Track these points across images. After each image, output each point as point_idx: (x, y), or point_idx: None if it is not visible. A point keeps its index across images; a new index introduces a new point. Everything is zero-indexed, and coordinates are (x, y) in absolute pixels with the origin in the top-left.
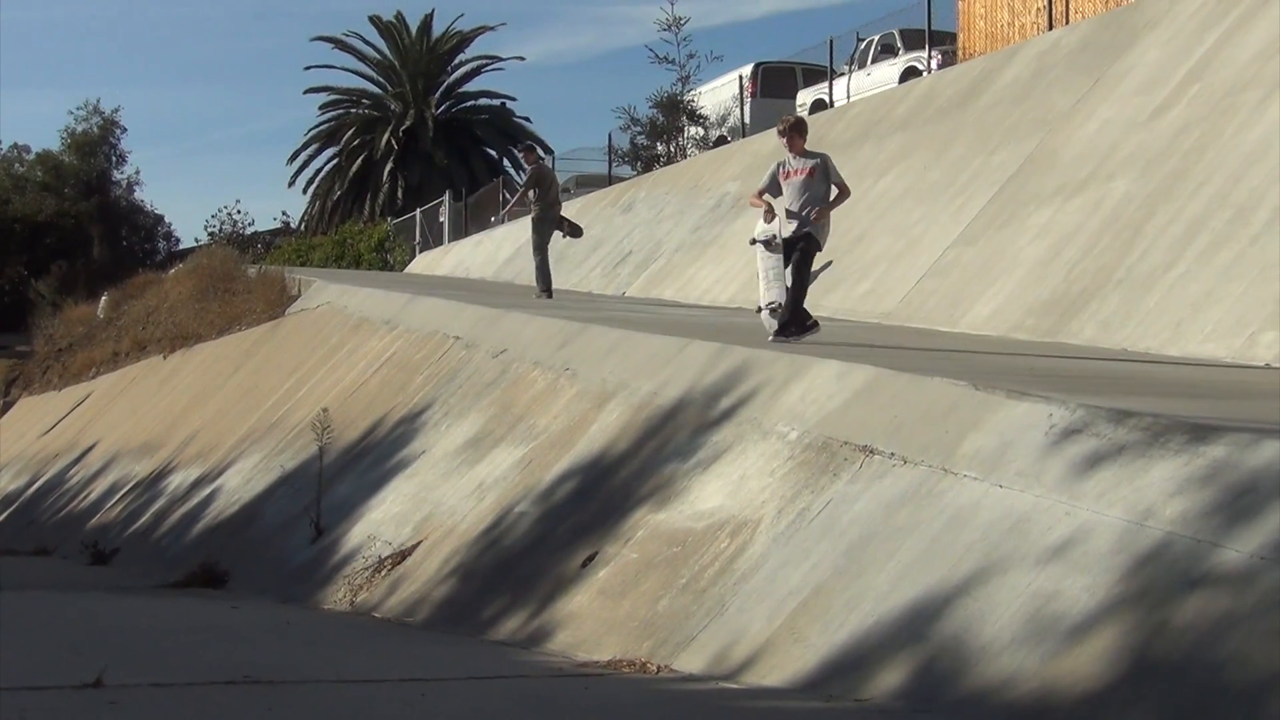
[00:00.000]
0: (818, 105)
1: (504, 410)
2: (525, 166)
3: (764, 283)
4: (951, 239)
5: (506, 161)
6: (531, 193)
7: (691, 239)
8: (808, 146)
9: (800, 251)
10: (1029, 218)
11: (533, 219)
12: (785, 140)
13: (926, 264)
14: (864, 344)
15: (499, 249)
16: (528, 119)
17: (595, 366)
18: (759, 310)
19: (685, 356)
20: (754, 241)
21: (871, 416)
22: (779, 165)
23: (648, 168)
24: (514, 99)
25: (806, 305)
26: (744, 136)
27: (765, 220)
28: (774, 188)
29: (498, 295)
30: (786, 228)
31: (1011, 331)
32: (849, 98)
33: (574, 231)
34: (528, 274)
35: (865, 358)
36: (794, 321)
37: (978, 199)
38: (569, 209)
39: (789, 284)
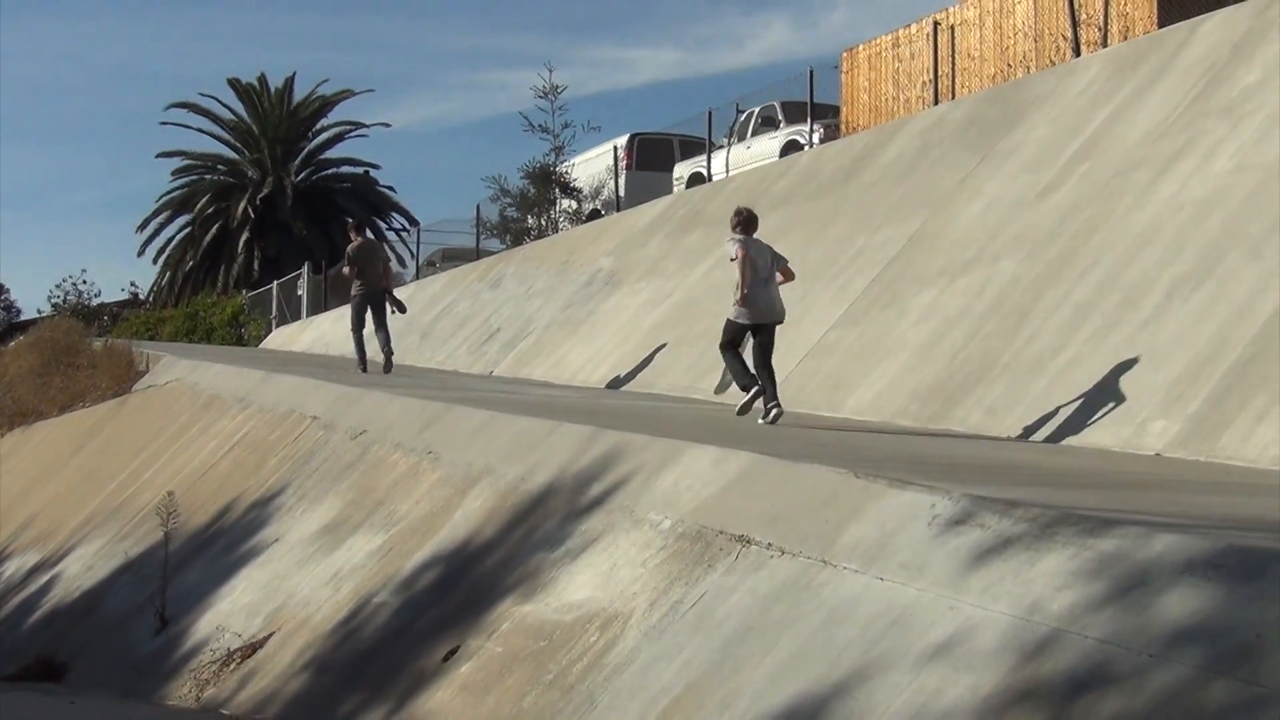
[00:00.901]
0: (695, 179)
1: (363, 495)
2: (351, 240)
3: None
4: (833, 320)
5: (369, 233)
6: (348, 269)
7: (563, 316)
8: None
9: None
10: (913, 299)
11: (351, 296)
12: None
13: (807, 346)
14: (741, 429)
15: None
16: (392, 188)
17: (460, 449)
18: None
19: (555, 440)
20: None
21: (748, 505)
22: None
23: (518, 241)
24: (378, 167)
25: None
26: (619, 210)
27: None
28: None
29: (356, 374)
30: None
31: (896, 417)
32: (728, 171)
33: (399, 309)
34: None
35: (742, 443)
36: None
37: (860, 279)
38: (432, 284)
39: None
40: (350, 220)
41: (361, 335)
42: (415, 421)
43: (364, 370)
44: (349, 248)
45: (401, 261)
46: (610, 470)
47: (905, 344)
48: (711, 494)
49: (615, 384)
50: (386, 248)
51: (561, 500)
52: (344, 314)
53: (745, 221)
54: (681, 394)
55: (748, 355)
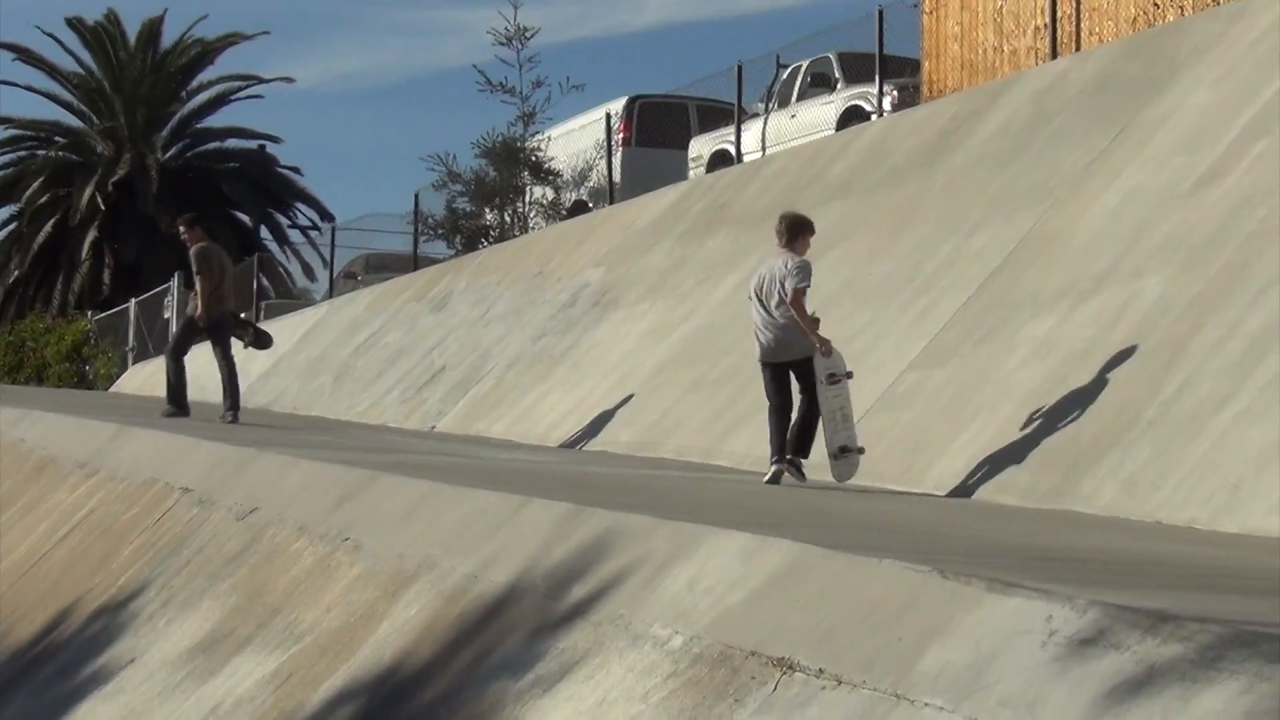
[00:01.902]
0: (719, 159)
1: (252, 599)
2: (187, 245)
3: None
4: (910, 357)
5: (266, 230)
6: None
7: (534, 350)
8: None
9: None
10: (1022, 329)
11: (185, 314)
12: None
13: (874, 393)
14: (781, 510)
15: (251, 359)
16: (297, 170)
17: (389, 535)
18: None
19: (521, 523)
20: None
21: (791, 616)
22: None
23: (471, 246)
24: (278, 140)
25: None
26: (612, 203)
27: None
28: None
29: (248, 428)
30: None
31: (997, 493)
32: (764, 149)
33: (260, 341)
34: (292, 396)
35: (782, 529)
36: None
37: (949, 300)
38: (352, 304)
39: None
40: (186, 215)
41: (181, 365)
42: (327, 496)
43: (173, 413)
44: (194, 250)
45: (310, 272)
46: (598, 566)
47: (1011, 391)
48: (740, 600)
49: (601, 443)
50: (288, 254)
51: (529, 608)
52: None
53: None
54: (700, 459)
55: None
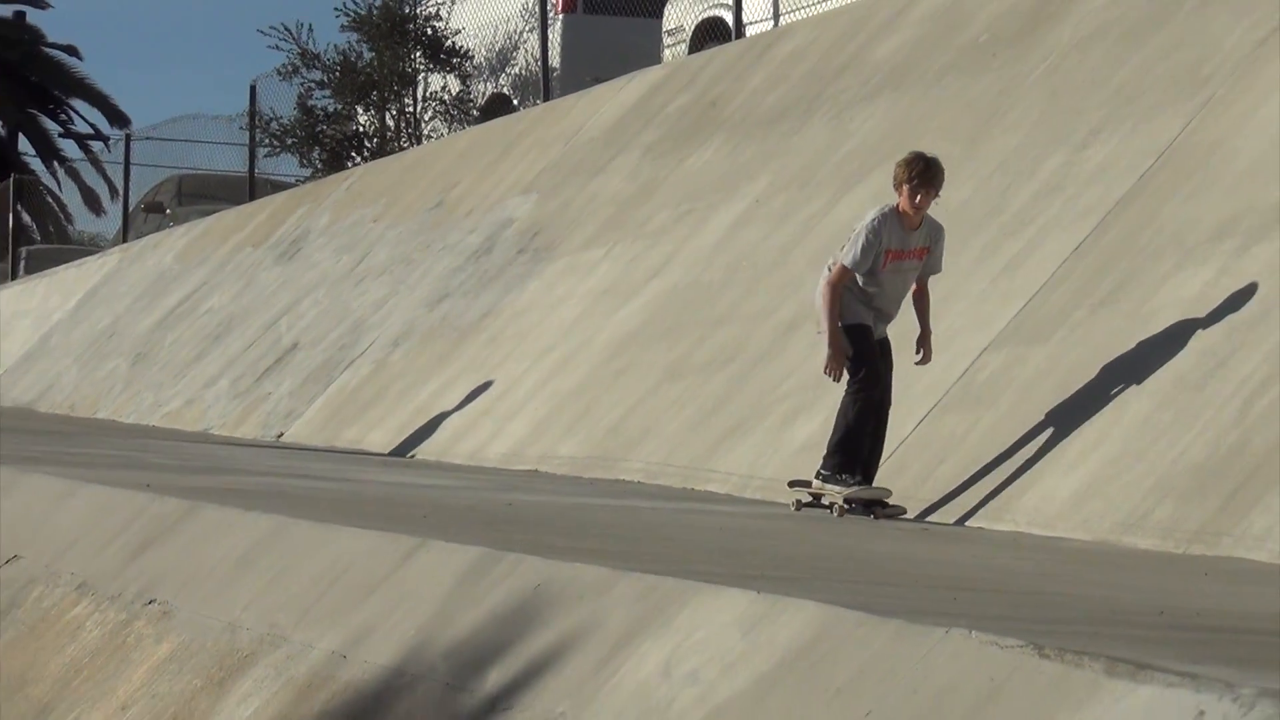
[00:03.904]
0: (709, 31)
1: (10, 693)
2: None
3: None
4: (996, 330)
5: (26, 142)
6: None
7: (431, 320)
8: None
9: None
10: (1161, 286)
11: None
12: (909, 193)
13: (944, 382)
14: (799, 556)
15: (3, 334)
16: (74, 50)
17: (215, 597)
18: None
19: (412, 576)
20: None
21: (817, 713)
22: (880, 232)
23: (335, 164)
24: (45, 6)
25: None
26: (547, 98)
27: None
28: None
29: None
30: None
31: (1123, 532)
32: (776, 18)
33: None
34: (68, 388)
35: (798, 583)
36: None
37: (1053, 244)
38: (157, 251)
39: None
40: None
41: None
42: (122, 538)
43: None
44: None
45: (94, 202)
46: (527, 639)
47: (1144, 379)
48: (740, 689)
49: (533, 460)
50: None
51: (425, 702)
52: None
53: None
54: (679, 482)
55: None
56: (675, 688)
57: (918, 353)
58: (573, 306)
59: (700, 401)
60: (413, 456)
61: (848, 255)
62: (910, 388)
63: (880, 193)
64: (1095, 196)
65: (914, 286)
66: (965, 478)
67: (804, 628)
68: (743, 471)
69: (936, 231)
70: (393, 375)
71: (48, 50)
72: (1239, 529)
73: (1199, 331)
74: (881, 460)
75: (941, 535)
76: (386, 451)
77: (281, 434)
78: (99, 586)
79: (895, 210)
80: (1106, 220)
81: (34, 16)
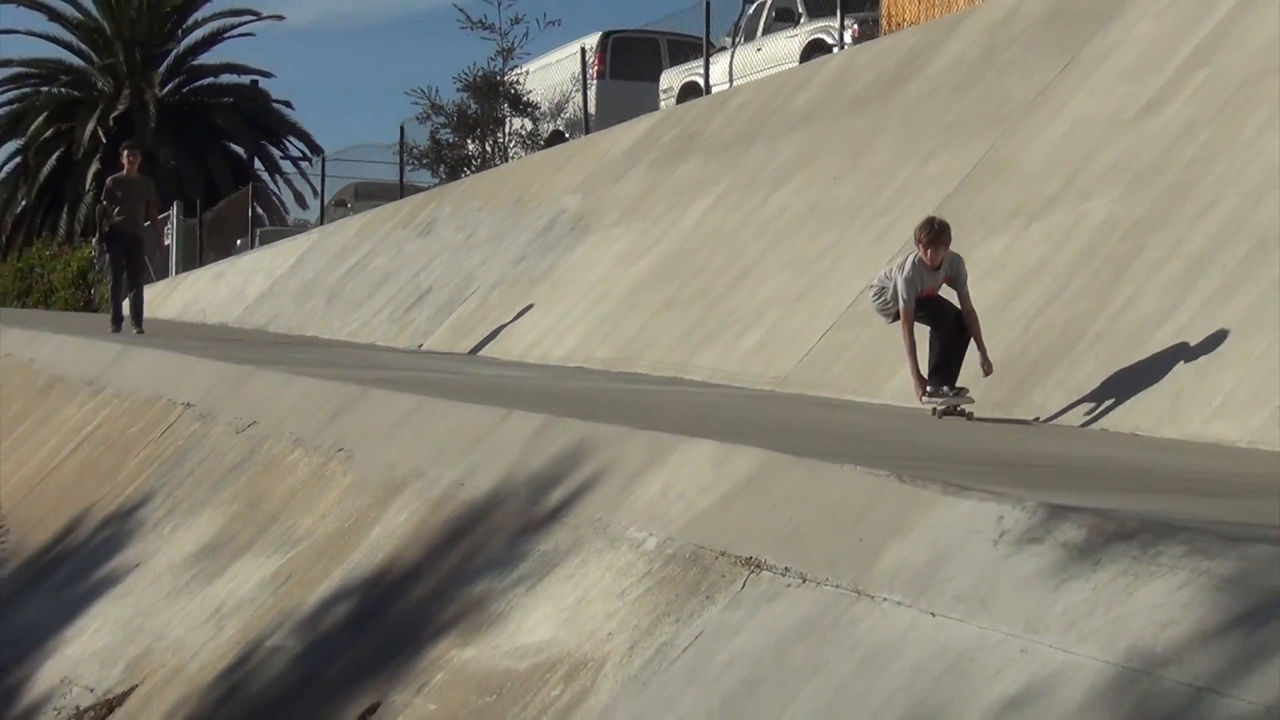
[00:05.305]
0: (689, 90)
1: (252, 506)
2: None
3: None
4: (870, 276)
5: (259, 163)
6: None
7: (515, 272)
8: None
9: None
10: (976, 249)
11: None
12: (923, 249)
13: (836, 310)
14: (749, 420)
15: (247, 283)
16: (288, 104)
17: (379, 446)
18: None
19: (503, 433)
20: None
21: (759, 518)
22: (914, 282)
23: (454, 175)
24: (270, 75)
25: None
26: (587, 133)
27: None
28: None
29: (245, 346)
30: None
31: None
32: (731, 81)
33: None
34: (287, 317)
35: (751, 437)
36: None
37: (906, 222)
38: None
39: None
40: (129, 143)
41: (119, 282)
42: (321, 410)
43: (119, 330)
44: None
45: (301, 200)
46: (577, 472)
47: None
48: (710, 504)
49: (579, 359)
50: (280, 184)
51: (512, 512)
52: (224, 271)
53: (931, 237)
54: (671, 374)
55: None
56: (669, 502)
57: (983, 367)
58: (603, 265)
59: (685, 323)
60: (502, 359)
61: (904, 301)
62: (817, 311)
63: (799, 189)
64: (933, 192)
65: (962, 307)
66: (853, 370)
67: (751, 465)
68: (711, 366)
69: (957, 263)
70: (490, 308)
71: (272, 104)
72: (1025, 401)
73: (998, 277)
74: (826, 364)
75: (837, 407)
76: (486, 356)
77: (421, 345)
78: (307, 440)
79: (919, 260)
80: (940, 207)
81: (263, 82)
